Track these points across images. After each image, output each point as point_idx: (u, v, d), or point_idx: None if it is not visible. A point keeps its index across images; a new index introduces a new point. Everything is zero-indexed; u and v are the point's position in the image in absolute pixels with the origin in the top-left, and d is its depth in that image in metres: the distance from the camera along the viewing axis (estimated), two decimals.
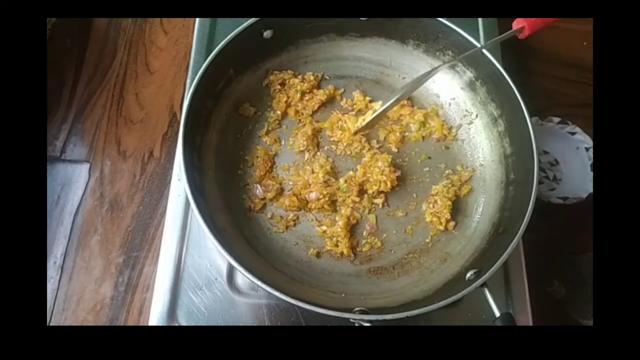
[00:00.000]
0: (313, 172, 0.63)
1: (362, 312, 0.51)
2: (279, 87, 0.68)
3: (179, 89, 0.80)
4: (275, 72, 0.68)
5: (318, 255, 0.60)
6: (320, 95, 0.68)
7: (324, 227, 0.61)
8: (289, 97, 0.67)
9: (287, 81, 0.68)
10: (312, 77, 0.68)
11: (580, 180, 0.75)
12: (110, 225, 0.71)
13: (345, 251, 0.60)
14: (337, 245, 0.60)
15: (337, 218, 0.62)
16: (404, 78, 0.70)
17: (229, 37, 0.59)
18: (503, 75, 0.59)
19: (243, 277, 0.59)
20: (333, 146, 0.66)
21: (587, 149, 0.80)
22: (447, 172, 0.66)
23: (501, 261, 0.51)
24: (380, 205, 0.63)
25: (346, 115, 0.67)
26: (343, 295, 0.57)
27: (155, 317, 0.58)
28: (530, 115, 0.57)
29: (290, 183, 0.63)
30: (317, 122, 0.67)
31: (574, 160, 0.77)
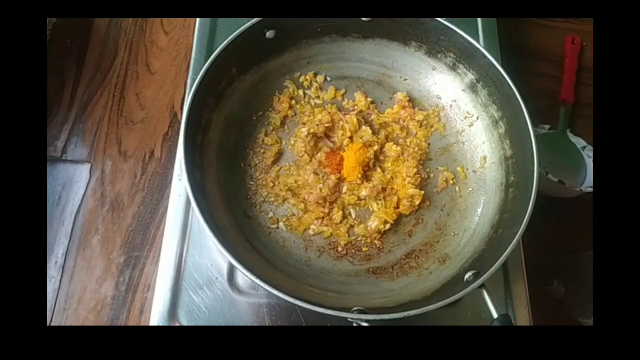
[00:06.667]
0: (314, 172, 0.63)
1: (361, 312, 0.51)
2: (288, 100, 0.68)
3: (180, 89, 0.81)
4: (285, 91, 0.69)
5: (317, 254, 0.61)
6: (323, 95, 0.69)
7: (324, 227, 0.62)
8: (291, 99, 0.68)
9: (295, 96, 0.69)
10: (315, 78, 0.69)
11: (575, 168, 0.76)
12: (111, 225, 0.71)
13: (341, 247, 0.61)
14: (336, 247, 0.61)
15: (337, 218, 0.62)
16: (406, 79, 0.70)
17: (232, 36, 0.59)
18: (504, 78, 0.59)
19: (243, 277, 0.59)
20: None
21: (582, 148, 0.80)
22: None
23: (499, 263, 0.51)
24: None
25: (347, 116, 0.67)
26: (342, 294, 0.57)
27: (156, 316, 0.58)
28: (531, 118, 0.57)
29: (291, 183, 0.63)
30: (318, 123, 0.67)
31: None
